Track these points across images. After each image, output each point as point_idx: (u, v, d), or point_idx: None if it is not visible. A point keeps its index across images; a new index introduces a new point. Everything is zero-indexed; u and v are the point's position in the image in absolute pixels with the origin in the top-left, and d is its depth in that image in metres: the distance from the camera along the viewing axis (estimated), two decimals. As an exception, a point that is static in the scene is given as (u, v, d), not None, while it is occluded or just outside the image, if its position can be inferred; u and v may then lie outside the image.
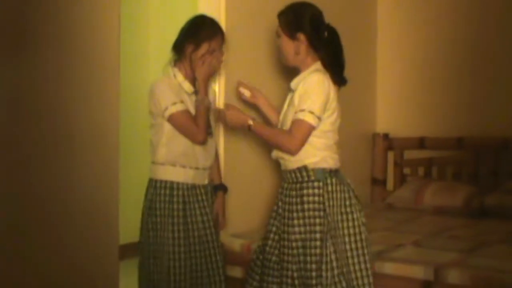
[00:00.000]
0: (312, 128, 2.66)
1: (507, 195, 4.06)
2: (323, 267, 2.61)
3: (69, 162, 2.42)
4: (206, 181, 2.99)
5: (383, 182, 4.84)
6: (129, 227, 3.64)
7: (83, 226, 2.45)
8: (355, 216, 2.69)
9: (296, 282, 2.63)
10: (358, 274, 2.66)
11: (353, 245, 2.67)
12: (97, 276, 2.52)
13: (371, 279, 2.67)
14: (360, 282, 2.66)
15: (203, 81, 2.91)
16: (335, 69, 2.77)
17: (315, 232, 2.63)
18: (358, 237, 2.68)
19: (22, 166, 2.26)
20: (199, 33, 2.89)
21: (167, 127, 2.87)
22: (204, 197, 2.94)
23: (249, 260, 2.94)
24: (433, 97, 4.75)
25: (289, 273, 2.65)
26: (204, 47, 2.89)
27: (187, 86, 2.92)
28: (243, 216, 3.56)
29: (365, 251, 2.67)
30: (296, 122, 2.65)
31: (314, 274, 2.60)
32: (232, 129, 3.22)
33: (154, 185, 2.90)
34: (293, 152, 2.68)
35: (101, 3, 2.54)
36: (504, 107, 4.49)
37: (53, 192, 2.35)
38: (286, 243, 2.67)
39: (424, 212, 4.14)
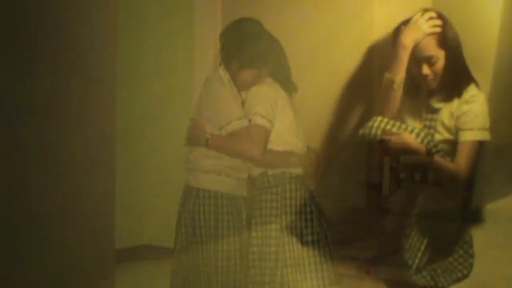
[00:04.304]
0: (266, 130, 2.69)
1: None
2: (278, 272, 2.71)
3: (64, 164, 2.41)
4: (245, 192, 2.83)
5: (379, 187, 4.83)
6: (125, 231, 3.65)
7: (79, 229, 2.45)
8: (314, 223, 2.73)
9: (251, 286, 2.75)
10: (315, 282, 2.71)
11: (311, 252, 2.72)
12: (92, 281, 2.51)
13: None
14: None
15: None
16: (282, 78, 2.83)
17: (270, 238, 2.72)
18: (316, 245, 2.72)
19: (18, 168, 2.25)
20: (247, 53, 2.67)
21: None
22: (242, 209, 2.80)
23: None
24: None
25: (249, 277, 2.77)
26: (251, 73, 2.68)
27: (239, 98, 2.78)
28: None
29: (324, 259, 2.73)
30: (251, 127, 2.68)
31: (267, 279, 2.71)
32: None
33: (195, 194, 2.74)
34: (255, 157, 2.68)
35: (98, 4, 2.54)
36: (499, 113, 4.49)
37: (48, 195, 2.35)
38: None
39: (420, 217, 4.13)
